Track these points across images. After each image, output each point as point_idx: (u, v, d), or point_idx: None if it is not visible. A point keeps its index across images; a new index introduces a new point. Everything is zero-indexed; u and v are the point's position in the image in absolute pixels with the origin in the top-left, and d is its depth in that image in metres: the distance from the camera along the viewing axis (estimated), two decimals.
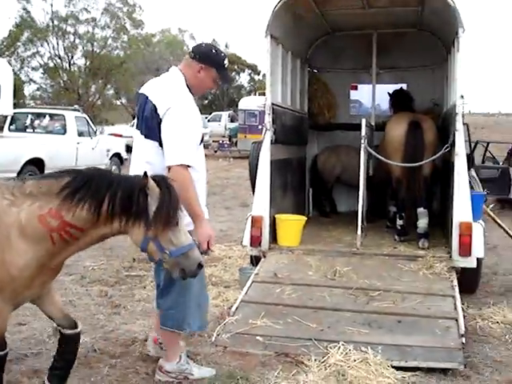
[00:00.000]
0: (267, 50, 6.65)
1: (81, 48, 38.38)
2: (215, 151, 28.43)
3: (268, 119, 6.64)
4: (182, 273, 3.52)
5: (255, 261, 6.77)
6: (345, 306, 5.46)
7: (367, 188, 8.62)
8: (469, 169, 11.94)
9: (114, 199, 3.34)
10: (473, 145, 13.78)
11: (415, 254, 6.57)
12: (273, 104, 6.72)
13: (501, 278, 7.93)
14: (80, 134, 16.34)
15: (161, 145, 3.97)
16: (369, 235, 7.54)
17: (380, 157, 7.24)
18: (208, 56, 4.14)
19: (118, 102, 49.75)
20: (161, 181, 3.43)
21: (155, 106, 3.98)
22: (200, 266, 3.56)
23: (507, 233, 7.46)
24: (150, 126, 3.99)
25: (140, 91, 4.23)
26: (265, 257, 6.59)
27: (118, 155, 18.76)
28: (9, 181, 3.63)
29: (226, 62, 4.27)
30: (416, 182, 7.17)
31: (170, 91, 4.04)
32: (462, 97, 6.21)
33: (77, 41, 37.94)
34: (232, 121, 36.76)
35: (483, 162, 15.16)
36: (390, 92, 8.69)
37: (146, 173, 3.40)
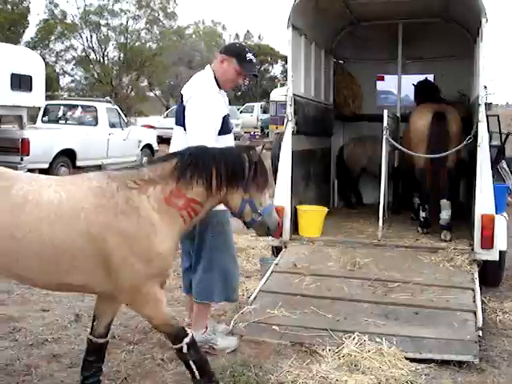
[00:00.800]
0: (289, 41, 6.65)
1: (114, 41, 38.66)
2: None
3: (289, 110, 6.64)
4: (267, 230, 4.01)
5: (276, 251, 6.81)
6: (362, 297, 5.46)
7: (393, 179, 8.60)
8: (500, 160, 11.83)
9: (221, 170, 3.68)
10: (504, 136, 13.62)
11: (437, 246, 6.52)
12: (294, 95, 6.72)
13: None
14: (111, 126, 16.53)
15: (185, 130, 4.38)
16: (392, 227, 7.50)
17: (402, 148, 7.20)
18: (229, 48, 4.63)
19: (152, 94, 50.11)
20: (252, 151, 3.83)
21: (182, 97, 4.46)
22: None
23: None
24: (179, 114, 4.46)
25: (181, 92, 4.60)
26: (286, 247, 6.61)
27: (149, 146, 18.90)
28: (122, 171, 3.78)
29: (248, 54, 4.54)
30: (439, 174, 7.08)
31: (194, 83, 4.51)
32: (486, 87, 6.12)
33: (110, 33, 38.24)
34: (264, 112, 36.72)
35: None
36: (415, 83, 8.59)
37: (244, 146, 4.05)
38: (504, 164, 11.84)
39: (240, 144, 3.96)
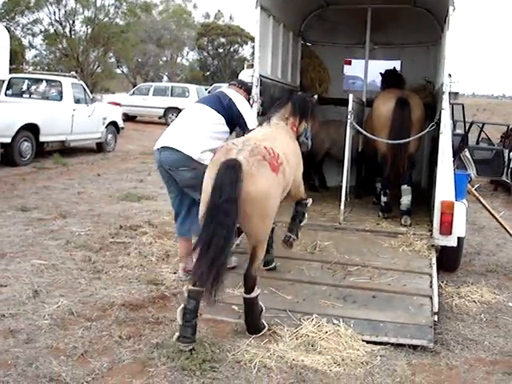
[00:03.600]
0: (257, 21, 6.60)
1: (81, 15, 37.89)
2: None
3: (255, 91, 6.62)
4: (306, 148, 5.76)
5: (239, 232, 6.80)
6: (322, 280, 5.52)
7: (358, 163, 8.66)
8: (463, 149, 12.00)
9: (304, 110, 5.56)
10: (468, 125, 13.84)
11: (396, 231, 6.60)
12: (261, 76, 6.69)
13: (483, 259, 7.99)
14: (76, 101, 16.24)
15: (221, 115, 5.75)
16: (354, 210, 7.57)
17: (366, 133, 7.24)
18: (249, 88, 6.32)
19: (119, 71, 49.45)
20: (312, 99, 5.88)
21: (225, 93, 5.91)
22: None
23: (491, 213, 7.50)
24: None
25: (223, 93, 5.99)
26: None
27: (114, 123, 18.68)
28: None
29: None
30: (401, 159, 7.13)
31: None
32: (450, 76, 6.19)
33: (78, 7, 37.44)
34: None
35: (478, 143, 15.16)
36: (382, 72, 8.63)
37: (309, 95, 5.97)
38: (467, 152, 12.07)
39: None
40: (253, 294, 4.67)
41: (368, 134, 7.23)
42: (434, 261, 5.95)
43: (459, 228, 6.31)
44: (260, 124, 5.43)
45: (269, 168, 4.50)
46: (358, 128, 7.09)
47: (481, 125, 15.46)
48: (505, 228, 7.49)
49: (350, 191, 7.70)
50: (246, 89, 6.14)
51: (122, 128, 19.47)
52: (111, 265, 6.60)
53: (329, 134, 9.25)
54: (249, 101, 6.22)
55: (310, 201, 5.66)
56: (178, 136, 5.60)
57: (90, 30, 37.88)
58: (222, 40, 55.56)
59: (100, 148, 18.04)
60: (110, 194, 11.17)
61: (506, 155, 14.15)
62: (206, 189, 4.43)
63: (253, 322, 4.72)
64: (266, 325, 4.74)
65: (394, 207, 7.34)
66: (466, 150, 11.92)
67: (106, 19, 39.14)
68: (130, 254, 7.00)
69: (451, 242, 6.24)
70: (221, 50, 56.61)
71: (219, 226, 4.17)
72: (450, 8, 6.08)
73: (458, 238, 6.34)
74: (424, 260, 5.96)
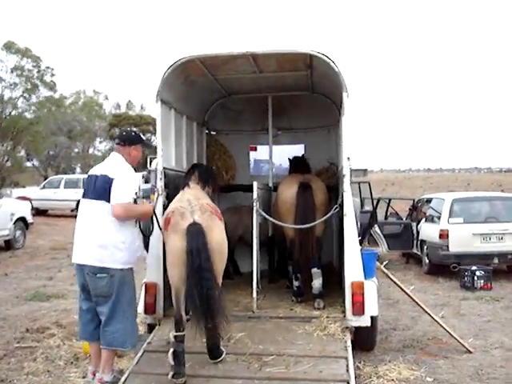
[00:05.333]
0: (158, 114, 6.63)
1: None
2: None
3: (160, 184, 6.58)
4: None
5: (150, 329, 6.60)
6: (237, 374, 5.34)
7: (269, 247, 8.66)
8: (373, 225, 12.26)
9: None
10: (375, 201, 14.27)
11: (310, 315, 6.56)
12: (165, 168, 6.67)
13: (400, 334, 8.05)
14: None
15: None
16: (268, 296, 7.50)
17: (272, 219, 7.30)
18: (134, 138, 5.78)
19: (30, 164, 48.55)
20: None
21: (107, 175, 5.38)
22: None
23: (401, 289, 7.60)
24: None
25: (90, 173, 5.64)
26: (159, 325, 6.41)
27: (23, 219, 18.15)
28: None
29: (142, 136, 6.11)
30: (308, 243, 7.16)
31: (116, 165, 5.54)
32: (349, 159, 6.37)
33: None
34: (146, 182, 36.43)
35: (386, 218, 15.61)
36: (291, 158, 8.82)
37: None
38: (377, 228, 12.37)
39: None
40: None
41: (273, 220, 7.29)
42: (349, 343, 5.92)
43: (371, 307, 6.34)
44: (182, 188, 6.03)
45: (217, 219, 5.54)
46: (264, 214, 7.13)
47: (388, 200, 15.98)
48: (416, 302, 7.60)
49: (263, 276, 7.66)
50: (130, 143, 5.68)
51: (31, 223, 18.94)
52: (16, 372, 6.30)
53: (241, 220, 9.25)
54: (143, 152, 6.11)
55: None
56: (86, 248, 5.39)
57: None
58: (134, 129, 55.87)
59: (8, 245, 17.44)
60: (17, 295, 10.69)
61: (414, 228, 14.63)
62: (177, 253, 5.27)
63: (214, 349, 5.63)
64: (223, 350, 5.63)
65: (307, 290, 7.33)
66: (375, 226, 12.21)
67: (15, 112, 38.67)
68: (36, 360, 6.70)
69: (364, 321, 6.25)
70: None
71: (206, 280, 5.08)
72: (344, 94, 6.32)
73: (371, 317, 6.36)
74: (339, 343, 5.91)
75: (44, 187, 30.01)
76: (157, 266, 6.44)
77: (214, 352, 5.58)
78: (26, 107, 39.72)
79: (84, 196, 5.59)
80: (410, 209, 16.37)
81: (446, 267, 12.72)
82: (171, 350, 5.28)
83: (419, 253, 14.32)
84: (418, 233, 14.43)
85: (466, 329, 8.34)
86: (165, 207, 6.52)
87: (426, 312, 7.50)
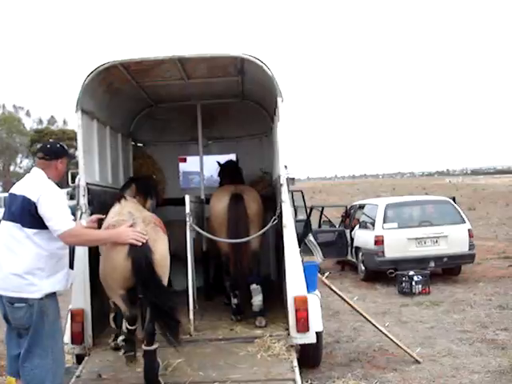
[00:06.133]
0: (78, 125, 6.08)
1: None
2: None
3: (83, 201, 6.04)
4: None
5: (79, 360, 6.03)
6: None
7: (204, 262, 8.20)
8: (307, 234, 12.01)
9: None
10: (308, 210, 14.05)
11: (252, 335, 6.12)
12: (88, 184, 6.12)
13: (344, 347, 7.78)
14: None
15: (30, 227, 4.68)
16: (205, 316, 7.05)
17: (205, 233, 6.86)
18: (59, 151, 5.08)
19: None
20: None
21: (26, 197, 4.70)
22: None
23: (345, 300, 7.33)
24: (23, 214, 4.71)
25: (11, 192, 4.95)
26: (89, 355, 5.85)
27: None
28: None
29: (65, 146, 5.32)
30: (243, 258, 6.74)
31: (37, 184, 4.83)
32: (286, 167, 6.03)
33: None
34: (71, 198, 35.23)
35: (320, 226, 15.44)
36: (221, 162, 8.42)
37: None
38: (311, 237, 12.12)
39: None
40: (153, 346, 5.10)
41: (207, 234, 6.85)
42: (295, 363, 5.54)
43: (316, 323, 6.04)
44: (117, 201, 5.76)
45: (161, 231, 5.43)
46: (198, 229, 6.68)
47: (321, 208, 15.81)
48: (361, 314, 7.34)
49: (199, 293, 7.20)
50: (56, 156, 4.98)
51: None
52: None
53: (173, 235, 8.73)
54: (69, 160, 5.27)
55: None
56: (1, 276, 4.70)
57: None
58: (57, 141, 54.17)
59: None
60: None
61: (347, 235, 14.51)
62: (117, 267, 5.06)
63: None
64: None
65: (246, 307, 6.91)
66: (310, 234, 11.97)
67: None
68: None
69: (310, 338, 5.91)
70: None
71: (157, 294, 4.94)
72: (279, 99, 5.97)
73: (317, 333, 6.02)
74: (285, 364, 5.52)
75: None
76: (83, 291, 5.90)
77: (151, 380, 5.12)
78: None
79: (3, 218, 4.91)
80: (342, 215, 16.29)
81: (382, 273, 12.64)
82: (121, 337, 5.52)
83: (354, 260, 14.22)
84: (352, 240, 14.33)
85: (411, 337, 8.16)
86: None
87: (372, 323, 7.25)
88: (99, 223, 5.47)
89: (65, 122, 61.76)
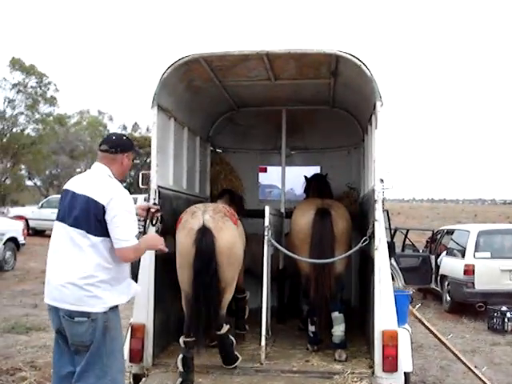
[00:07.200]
0: (154, 122, 5.56)
1: None
2: (139, 232, 26.92)
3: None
4: None
5: (135, 381, 5.47)
6: None
7: (279, 281, 7.54)
8: (391, 258, 11.14)
9: None
10: (392, 232, 13.16)
11: (330, 370, 5.35)
12: (160, 187, 5.58)
13: None
14: None
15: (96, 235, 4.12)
16: (278, 341, 6.38)
17: (285, 250, 6.16)
18: (126, 144, 4.51)
19: (31, 183, 47.63)
20: None
21: (93, 199, 4.14)
22: None
23: (438, 337, 6.48)
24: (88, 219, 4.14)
25: (66, 188, 4.36)
26: (147, 376, 5.27)
27: (13, 239, 17.16)
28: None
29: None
30: (326, 281, 5.94)
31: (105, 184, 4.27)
32: (382, 181, 5.27)
33: None
34: None
35: (403, 250, 14.50)
36: (308, 176, 7.74)
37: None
38: (393, 261, 11.26)
39: None
40: (223, 331, 5.31)
41: (287, 252, 6.13)
42: None
43: (406, 362, 5.23)
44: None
45: (231, 221, 5.43)
46: (276, 245, 6.01)
47: (405, 231, 14.86)
48: (457, 355, 6.47)
49: (272, 315, 6.53)
50: (123, 149, 4.43)
51: (23, 244, 17.91)
52: None
53: (249, 250, 8.11)
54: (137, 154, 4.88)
55: (247, 294, 6.48)
56: (60, 287, 4.11)
57: None
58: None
59: None
60: None
61: (433, 261, 13.53)
62: (183, 254, 5.24)
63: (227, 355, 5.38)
64: (239, 356, 5.41)
65: (323, 335, 6.17)
66: (392, 258, 11.13)
67: (16, 129, 37.96)
68: None
69: (398, 380, 5.09)
70: (137, 161, 55.84)
71: (208, 287, 5.04)
72: (378, 103, 5.23)
73: (405, 374, 5.22)
74: None
75: (42, 206, 28.91)
76: (146, 304, 5.35)
77: (227, 359, 5.41)
78: (27, 124, 38.96)
79: (59, 218, 4.29)
80: (427, 241, 15.28)
81: (470, 306, 11.60)
82: (180, 355, 5.15)
83: (439, 289, 13.21)
84: (437, 267, 13.34)
85: (506, 382, 7.19)
86: (158, 232, 5.44)
87: (466, 365, 6.37)
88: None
89: (148, 130, 62.71)
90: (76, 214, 4.14)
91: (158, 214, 5.19)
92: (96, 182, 4.28)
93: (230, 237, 5.33)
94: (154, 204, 5.40)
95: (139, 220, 5.13)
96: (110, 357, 4.19)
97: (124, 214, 4.16)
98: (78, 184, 4.33)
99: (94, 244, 4.11)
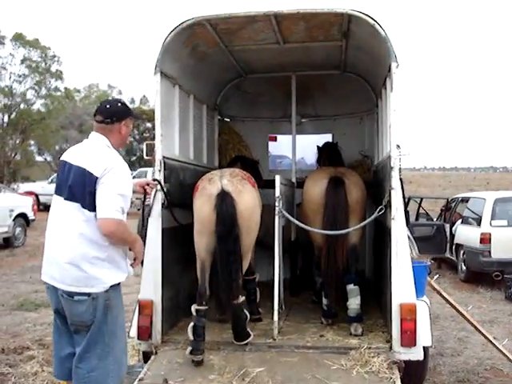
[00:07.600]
0: (157, 90, 5.28)
1: None
2: (138, 209, 26.80)
3: (159, 177, 5.22)
4: None
5: (145, 357, 5.30)
6: None
7: (291, 253, 7.31)
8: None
9: None
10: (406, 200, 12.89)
11: (347, 345, 5.14)
12: (165, 157, 5.33)
13: (449, 362, 6.74)
14: None
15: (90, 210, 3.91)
16: (291, 315, 6.18)
17: (297, 221, 5.91)
18: (122, 111, 4.23)
19: (41, 158, 47.53)
20: None
21: (88, 171, 3.92)
22: None
23: (457, 309, 6.25)
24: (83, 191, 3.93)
25: (63, 159, 4.17)
26: (156, 353, 5.10)
27: (23, 215, 17.07)
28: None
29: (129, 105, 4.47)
30: (339, 253, 5.69)
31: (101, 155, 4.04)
32: (399, 147, 4.99)
33: None
34: None
35: (417, 219, 14.23)
36: (320, 145, 7.46)
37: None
38: (408, 231, 11.01)
39: None
40: (240, 300, 5.17)
41: (299, 223, 5.88)
42: (398, 383, 4.57)
43: (425, 336, 5.02)
44: None
45: (249, 184, 5.33)
46: (288, 216, 5.75)
47: (419, 200, 14.57)
48: (478, 329, 6.24)
49: (285, 288, 6.31)
50: (120, 117, 4.17)
51: (33, 220, 17.83)
52: None
53: (261, 221, 7.87)
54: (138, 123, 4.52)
55: (257, 275, 6.20)
56: (57, 265, 3.96)
57: (6, 118, 36.44)
58: (148, 125, 54.62)
59: (7, 243, 16.37)
60: (3, 302, 9.49)
61: (447, 230, 13.25)
62: (202, 220, 5.11)
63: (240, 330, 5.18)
64: (251, 333, 5.19)
65: (338, 308, 5.95)
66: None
67: (24, 105, 37.74)
68: None
69: (416, 355, 4.88)
70: (147, 135, 55.55)
71: (231, 253, 4.95)
72: (393, 65, 4.92)
73: (424, 348, 5.01)
74: None
75: (52, 182, 28.86)
76: (154, 280, 5.14)
77: (239, 334, 5.21)
78: (35, 100, 38.69)
79: (56, 191, 4.12)
80: (442, 209, 14.99)
81: (486, 275, 11.37)
82: (191, 324, 5.00)
83: (454, 258, 12.97)
84: (452, 236, 13.08)
85: None
86: (164, 206, 5.23)
87: (486, 337, 6.15)
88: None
89: None
90: (71, 187, 3.95)
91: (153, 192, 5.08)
92: (93, 152, 4.06)
93: (250, 199, 5.22)
94: (154, 180, 5.17)
95: (137, 198, 4.97)
96: (112, 337, 4.05)
97: (112, 184, 3.90)
98: (74, 155, 4.12)
99: (89, 219, 3.91)
